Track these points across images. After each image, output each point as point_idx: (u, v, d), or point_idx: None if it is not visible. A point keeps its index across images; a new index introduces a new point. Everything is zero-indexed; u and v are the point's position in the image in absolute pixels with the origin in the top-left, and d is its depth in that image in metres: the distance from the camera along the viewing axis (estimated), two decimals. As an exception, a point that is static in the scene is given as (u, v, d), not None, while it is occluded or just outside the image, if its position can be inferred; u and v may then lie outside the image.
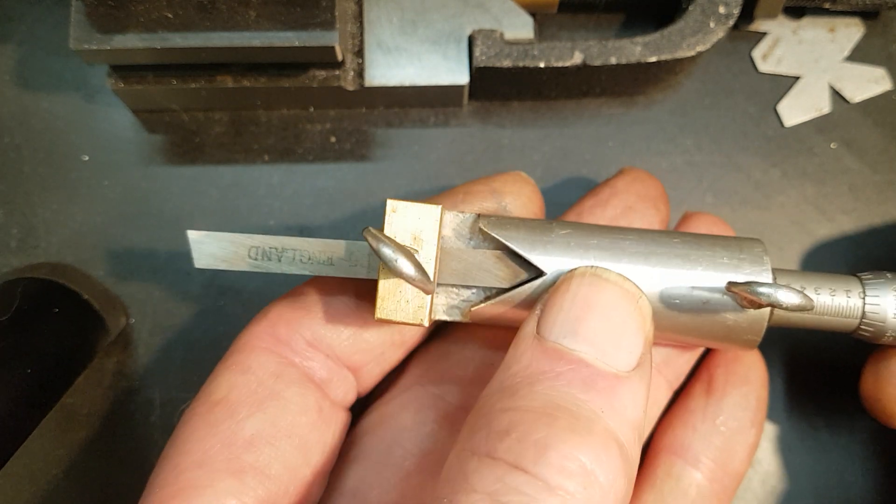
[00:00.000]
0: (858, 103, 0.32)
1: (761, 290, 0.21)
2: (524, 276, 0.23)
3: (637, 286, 0.21)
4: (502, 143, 0.31)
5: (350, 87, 0.29)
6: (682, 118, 0.32)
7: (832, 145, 0.32)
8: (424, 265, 0.22)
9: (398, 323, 0.22)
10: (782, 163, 0.31)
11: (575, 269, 0.22)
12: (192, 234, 0.23)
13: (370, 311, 0.24)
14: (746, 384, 0.26)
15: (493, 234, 0.23)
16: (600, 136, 0.32)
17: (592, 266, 0.22)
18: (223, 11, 0.26)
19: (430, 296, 0.22)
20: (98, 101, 0.31)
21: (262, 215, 0.31)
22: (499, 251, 0.23)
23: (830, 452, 0.30)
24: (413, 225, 0.22)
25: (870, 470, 0.30)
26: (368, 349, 0.24)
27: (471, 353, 0.26)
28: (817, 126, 0.32)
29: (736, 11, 0.29)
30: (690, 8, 0.29)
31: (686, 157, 0.31)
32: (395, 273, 0.20)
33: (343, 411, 0.25)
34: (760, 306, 0.22)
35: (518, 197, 0.26)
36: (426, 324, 0.22)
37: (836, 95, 0.32)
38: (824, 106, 0.32)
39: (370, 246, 0.20)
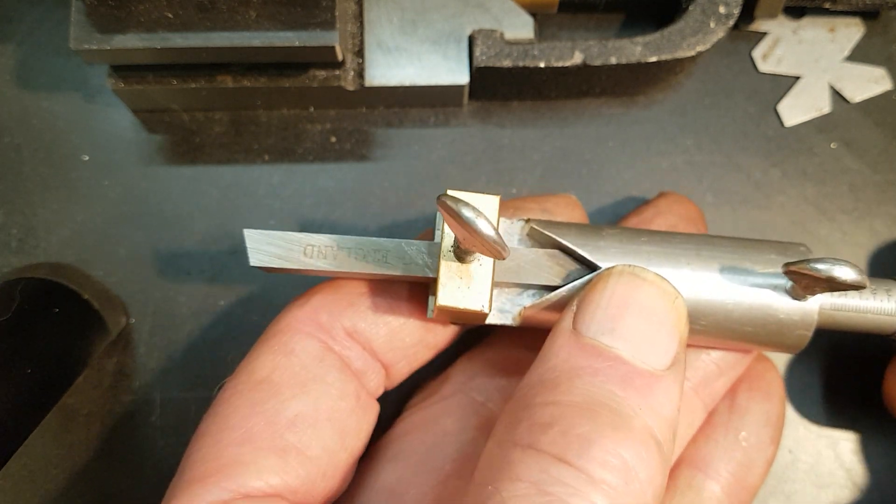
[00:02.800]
0: (858, 103, 0.32)
1: (819, 266, 0.21)
2: (577, 273, 0.23)
3: (673, 286, 0.21)
4: (502, 143, 0.31)
5: (350, 87, 0.29)
6: (682, 118, 0.32)
7: (832, 145, 0.32)
8: None
9: (459, 310, 0.22)
10: (782, 163, 0.31)
11: (612, 267, 0.22)
12: (249, 233, 0.23)
13: (410, 310, 0.24)
14: (768, 401, 0.26)
15: (545, 233, 0.23)
16: (600, 136, 0.32)
17: (630, 265, 0.22)
18: (223, 11, 0.26)
19: (491, 284, 0.22)
20: (98, 101, 0.31)
21: (262, 215, 0.31)
22: (552, 250, 0.23)
23: (834, 453, 0.30)
24: None
25: (874, 470, 0.30)
26: (403, 347, 0.25)
27: (516, 362, 0.27)
28: (817, 126, 0.32)
29: (736, 11, 0.29)
30: (690, 8, 0.29)
31: (686, 157, 0.31)
32: (475, 234, 0.19)
33: (376, 402, 0.25)
34: (817, 284, 0.21)
35: (567, 220, 0.27)
36: (487, 310, 0.22)
37: (837, 95, 0.32)
38: (824, 106, 0.32)
39: (448, 209, 0.19)
